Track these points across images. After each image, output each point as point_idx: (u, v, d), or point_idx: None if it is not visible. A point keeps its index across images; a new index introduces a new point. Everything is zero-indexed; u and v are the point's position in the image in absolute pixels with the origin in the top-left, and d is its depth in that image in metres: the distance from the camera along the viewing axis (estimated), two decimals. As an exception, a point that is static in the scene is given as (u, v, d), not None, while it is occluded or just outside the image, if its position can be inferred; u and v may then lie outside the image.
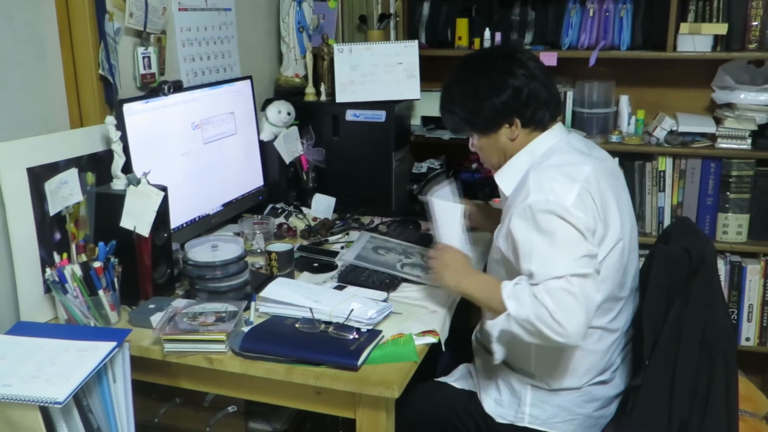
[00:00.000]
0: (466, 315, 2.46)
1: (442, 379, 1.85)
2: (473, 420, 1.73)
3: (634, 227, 1.72)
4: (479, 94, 1.67)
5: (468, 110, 1.71)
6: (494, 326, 1.50)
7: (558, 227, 1.49)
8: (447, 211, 1.77)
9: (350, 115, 2.50)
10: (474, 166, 2.86)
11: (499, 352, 1.55)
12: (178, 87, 2.07)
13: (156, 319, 1.60)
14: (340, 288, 1.83)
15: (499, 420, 1.71)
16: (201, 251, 1.78)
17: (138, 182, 1.73)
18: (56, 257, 1.65)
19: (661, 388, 1.49)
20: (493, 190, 2.61)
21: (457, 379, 1.84)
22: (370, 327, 1.60)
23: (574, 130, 1.79)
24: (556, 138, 1.69)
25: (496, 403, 1.73)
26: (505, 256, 1.63)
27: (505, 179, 1.72)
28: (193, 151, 2.12)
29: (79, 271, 1.62)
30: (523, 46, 1.71)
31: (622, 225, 1.62)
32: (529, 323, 1.44)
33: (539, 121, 1.68)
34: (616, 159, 2.58)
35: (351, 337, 1.54)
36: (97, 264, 1.63)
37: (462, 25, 2.85)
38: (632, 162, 2.70)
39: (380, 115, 2.46)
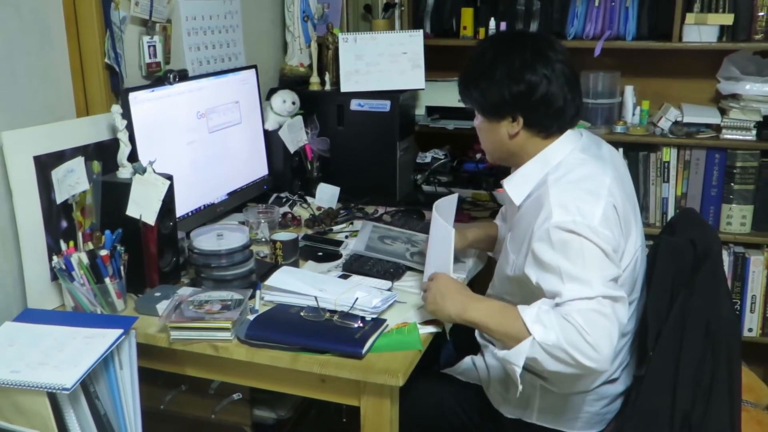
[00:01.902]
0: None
1: (447, 371, 1.85)
2: (479, 413, 1.74)
3: (642, 226, 1.70)
4: (495, 78, 1.59)
5: (479, 89, 1.63)
6: (518, 355, 1.40)
7: (587, 248, 1.42)
8: (441, 231, 1.69)
9: (355, 104, 2.50)
10: (478, 156, 2.86)
11: (521, 380, 1.46)
12: (183, 76, 2.08)
13: (162, 306, 1.61)
14: (344, 277, 1.84)
15: (508, 415, 1.70)
16: (206, 240, 1.79)
17: (144, 171, 1.74)
18: (63, 245, 1.66)
19: (664, 379, 1.49)
20: (498, 181, 2.60)
21: (462, 371, 1.83)
22: (374, 316, 1.61)
23: (583, 127, 1.74)
24: (570, 146, 1.62)
25: (503, 399, 1.72)
26: (520, 272, 1.57)
27: (514, 187, 1.66)
28: (199, 140, 2.13)
29: (85, 259, 1.63)
30: (561, 44, 1.63)
31: (637, 233, 1.59)
32: (558, 349, 1.36)
33: (544, 127, 1.61)
34: (621, 150, 2.59)
35: (356, 325, 1.55)
36: (103, 252, 1.64)
37: (467, 15, 2.84)
38: (636, 153, 2.69)
39: (385, 105, 2.47)
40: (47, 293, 1.71)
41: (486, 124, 1.68)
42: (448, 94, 2.79)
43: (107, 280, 1.65)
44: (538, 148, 1.63)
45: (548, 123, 1.60)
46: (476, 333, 1.86)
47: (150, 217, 1.72)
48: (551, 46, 1.61)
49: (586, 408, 1.67)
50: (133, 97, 1.84)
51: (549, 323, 1.38)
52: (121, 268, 1.68)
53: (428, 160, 2.83)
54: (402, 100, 2.50)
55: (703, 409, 1.47)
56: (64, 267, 1.62)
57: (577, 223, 1.43)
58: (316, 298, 1.63)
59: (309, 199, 2.49)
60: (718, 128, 2.63)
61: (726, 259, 2.66)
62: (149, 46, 2.04)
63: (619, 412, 1.71)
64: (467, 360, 1.86)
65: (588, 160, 1.59)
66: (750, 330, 2.72)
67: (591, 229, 1.43)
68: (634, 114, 2.77)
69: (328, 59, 2.65)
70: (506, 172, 1.75)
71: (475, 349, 1.87)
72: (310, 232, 2.23)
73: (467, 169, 2.82)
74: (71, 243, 1.67)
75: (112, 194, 1.75)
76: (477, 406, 1.74)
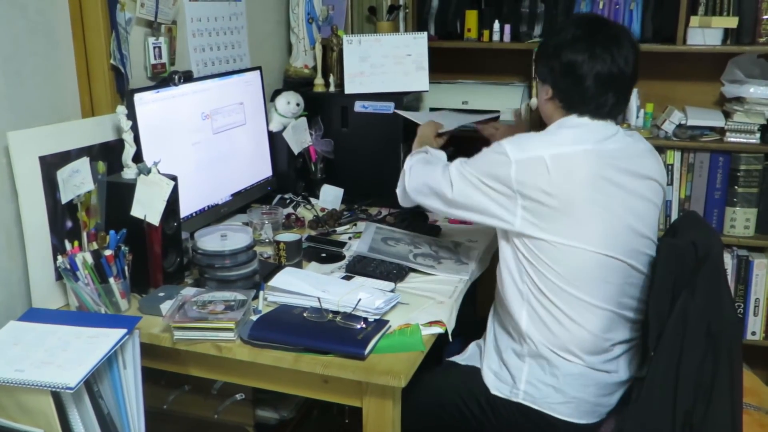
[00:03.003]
0: (473, 305, 2.48)
1: (454, 358, 1.88)
2: (476, 401, 1.76)
3: (631, 233, 1.68)
4: (546, 45, 1.77)
5: (536, 53, 1.82)
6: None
7: (487, 155, 1.70)
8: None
9: (359, 106, 2.51)
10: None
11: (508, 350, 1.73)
12: (188, 77, 2.09)
13: (166, 307, 1.62)
14: (347, 278, 1.84)
15: (494, 392, 1.73)
16: (210, 240, 1.79)
17: (148, 171, 1.75)
18: (68, 245, 1.67)
19: (665, 379, 1.50)
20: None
21: (466, 358, 1.87)
22: (377, 317, 1.62)
23: (630, 130, 1.83)
24: (585, 120, 1.70)
25: (495, 376, 1.75)
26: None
27: None
28: (203, 141, 2.13)
29: (90, 259, 1.64)
30: (627, 47, 1.68)
31: (594, 229, 1.62)
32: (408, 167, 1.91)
33: (567, 105, 1.71)
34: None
35: (358, 326, 1.56)
36: (107, 252, 1.65)
37: (471, 17, 2.84)
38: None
39: (389, 107, 2.47)
40: (52, 293, 1.72)
41: (538, 85, 1.82)
42: (452, 96, 2.79)
43: (111, 279, 1.66)
44: None
45: (570, 104, 1.71)
46: (490, 313, 1.89)
47: (154, 218, 1.73)
48: (606, 44, 1.66)
49: (572, 393, 1.67)
50: (138, 98, 1.85)
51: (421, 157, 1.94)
52: (126, 268, 1.69)
53: (432, 161, 2.83)
54: (406, 101, 2.50)
55: (704, 409, 1.47)
56: (68, 267, 1.63)
57: (504, 142, 1.66)
58: (319, 299, 1.64)
59: (313, 200, 2.50)
60: (722, 131, 2.63)
61: (729, 262, 2.65)
62: (154, 48, 2.05)
63: (616, 409, 1.72)
64: (472, 345, 1.89)
65: (583, 136, 1.66)
66: (753, 333, 2.71)
67: (500, 150, 1.65)
68: (638, 116, 2.77)
69: (332, 61, 2.66)
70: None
71: (480, 333, 1.90)
72: (313, 233, 2.24)
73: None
74: (76, 243, 1.68)
75: (117, 194, 1.76)
76: (474, 393, 1.76)
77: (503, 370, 1.74)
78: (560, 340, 1.66)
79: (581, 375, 1.67)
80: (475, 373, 1.79)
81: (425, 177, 1.83)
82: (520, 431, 1.72)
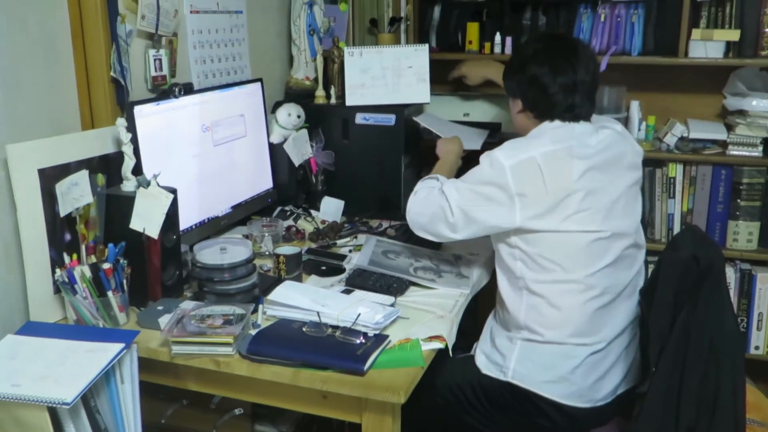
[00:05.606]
0: (474, 319, 2.46)
1: (459, 356, 1.93)
2: (469, 384, 1.81)
3: (617, 213, 1.76)
4: (513, 62, 1.91)
5: (504, 71, 1.95)
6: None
7: (479, 168, 1.77)
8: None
9: (360, 118, 2.50)
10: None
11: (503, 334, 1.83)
12: (188, 89, 2.08)
13: (164, 320, 1.61)
14: (347, 292, 1.83)
15: (484, 371, 1.79)
16: (210, 253, 1.79)
17: (148, 184, 1.74)
18: (66, 258, 1.66)
19: (668, 394, 1.50)
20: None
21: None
22: (377, 332, 1.61)
23: (606, 121, 1.91)
24: (557, 125, 1.79)
25: (486, 358, 1.83)
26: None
27: None
28: (203, 153, 2.13)
29: (88, 272, 1.63)
30: (586, 57, 1.82)
31: (581, 216, 1.70)
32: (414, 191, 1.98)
33: (538, 114, 1.82)
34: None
35: (358, 341, 1.55)
36: (106, 265, 1.64)
37: (473, 29, 2.85)
38: (642, 168, 2.68)
39: (390, 119, 2.47)
40: (50, 306, 1.71)
41: (510, 101, 1.95)
42: (453, 108, 2.79)
43: (110, 293, 1.65)
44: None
45: (540, 112, 1.82)
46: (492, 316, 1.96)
47: (153, 231, 1.72)
48: (567, 56, 1.79)
49: (560, 373, 1.72)
50: (138, 110, 1.85)
51: (428, 183, 1.98)
52: (124, 281, 1.68)
53: (433, 174, 2.82)
54: (407, 113, 2.50)
55: (707, 424, 1.47)
56: (66, 280, 1.62)
57: (494, 153, 1.74)
58: (318, 313, 1.63)
59: (313, 212, 2.49)
60: (724, 144, 2.62)
61: (732, 276, 2.64)
62: (155, 60, 2.05)
63: (610, 409, 1.75)
64: (475, 345, 1.95)
65: (564, 135, 1.76)
66: (757, 348, 2.70)
67: (499, 164, 1.71)
68: (639, 129, 2.76)
69: (333, 73, 2.66)
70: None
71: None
72: (313, 245, 2.23)
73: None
74: (74, 256, 1.68)
75: (116, 207, 1.76)
76: (468, 377, 1.81)
77: (495, 352, 1.81)
78: (549, 321, 1.72)
79: (569, 356, 1.72)
80: (469, 359, 1.87)
81: (425, 206, 1.89)
82: (510, 415, 1.77)
